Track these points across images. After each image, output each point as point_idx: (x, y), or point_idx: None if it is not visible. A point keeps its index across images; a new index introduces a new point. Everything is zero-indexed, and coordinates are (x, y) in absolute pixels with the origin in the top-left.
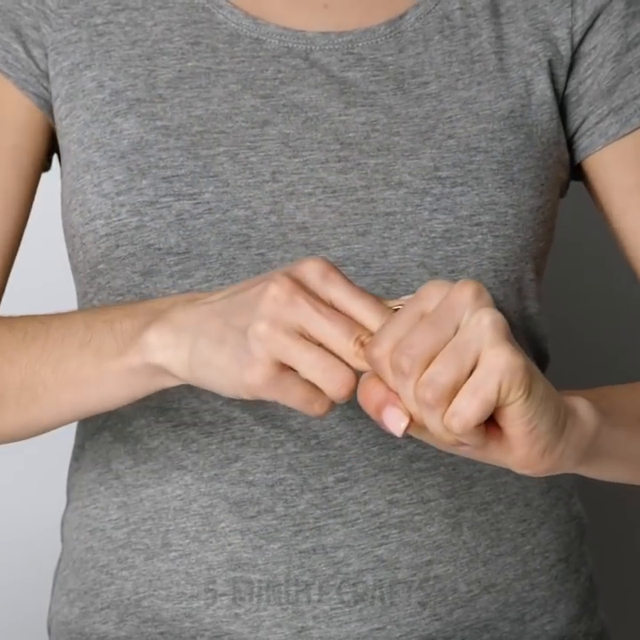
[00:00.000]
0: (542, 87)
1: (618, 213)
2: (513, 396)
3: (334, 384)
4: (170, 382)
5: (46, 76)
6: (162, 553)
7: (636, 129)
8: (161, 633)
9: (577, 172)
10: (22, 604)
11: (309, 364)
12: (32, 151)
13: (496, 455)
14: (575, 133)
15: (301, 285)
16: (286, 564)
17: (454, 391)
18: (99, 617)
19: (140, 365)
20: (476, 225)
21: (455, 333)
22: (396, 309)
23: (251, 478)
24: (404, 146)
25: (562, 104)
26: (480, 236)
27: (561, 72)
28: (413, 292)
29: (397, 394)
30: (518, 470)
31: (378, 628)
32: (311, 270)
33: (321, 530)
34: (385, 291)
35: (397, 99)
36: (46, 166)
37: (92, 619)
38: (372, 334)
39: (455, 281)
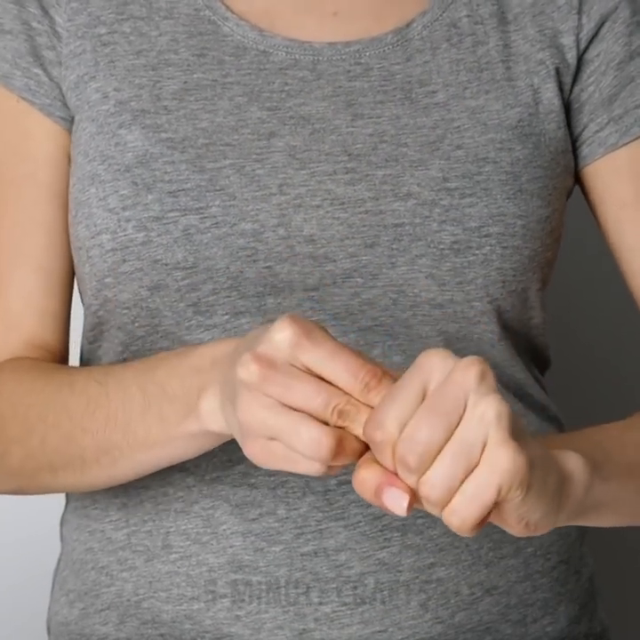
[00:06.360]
0: (549, 95)
1: (613, 228)
2: (511, 495)
3: (313, 451)
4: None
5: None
6: (162, 554)
7: (636, 139)
8: (161, 634)
9: (576, 180)
10: (22, 603)
11: (288, 435)
12: (67, 185)
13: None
14: (576, 141)
15: (270, 362)
16: (288, 567)
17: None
18: (99, 618)
19: (201, 432)
20: (485, 236)
21: (459, 420)
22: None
23: (253, 481)
24: (412, 157)
25: (566, 111)
26: (488, 248)
27: (567, 80)
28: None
29: (395, 474)
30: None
31: (379, 631)
32: (280, 343)
33: (323, 533)
34: (392, 302)
35: (405, 108)
36: None
37: (92, 620)
38: (349, 398)
39: (460, 355)
